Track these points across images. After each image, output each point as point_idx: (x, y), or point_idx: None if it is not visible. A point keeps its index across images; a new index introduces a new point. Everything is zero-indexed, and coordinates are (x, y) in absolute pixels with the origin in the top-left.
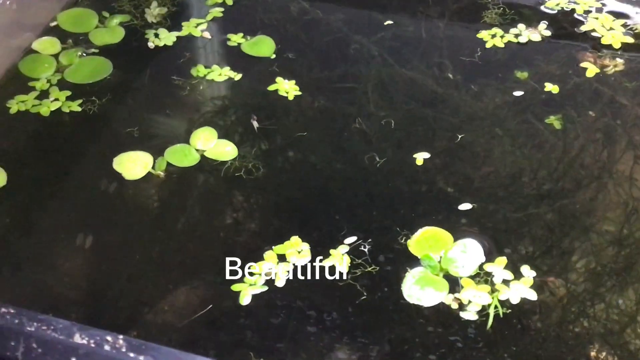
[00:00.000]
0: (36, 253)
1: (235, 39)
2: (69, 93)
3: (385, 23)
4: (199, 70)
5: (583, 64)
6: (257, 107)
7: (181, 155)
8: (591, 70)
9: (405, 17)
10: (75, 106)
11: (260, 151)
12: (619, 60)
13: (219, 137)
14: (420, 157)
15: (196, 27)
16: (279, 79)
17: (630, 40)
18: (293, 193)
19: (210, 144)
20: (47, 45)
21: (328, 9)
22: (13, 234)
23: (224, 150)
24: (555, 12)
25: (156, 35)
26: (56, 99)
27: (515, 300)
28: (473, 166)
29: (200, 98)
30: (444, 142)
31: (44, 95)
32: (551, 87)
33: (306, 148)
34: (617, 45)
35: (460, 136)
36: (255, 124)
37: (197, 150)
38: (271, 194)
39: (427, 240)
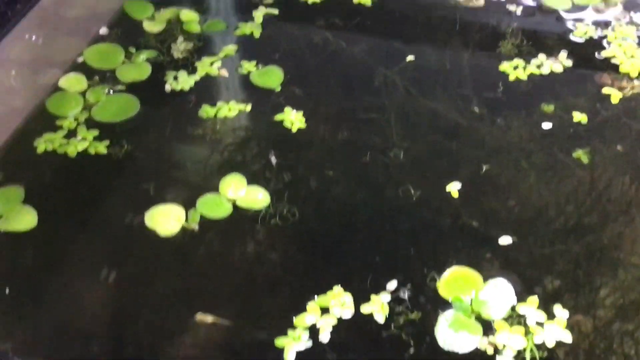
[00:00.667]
0: (61, 289)
1: (248, 67)
2: (96, 133)
3: (407, 59)
4: (207, 112)
5: (605, 90)
6: (277, 142)
7: (213, 206)
8: (615, 95)
9: (428, 47)
10: (102, 148)
11: (291, 192)
12: (637, 83)
13: (248, 182)
14: (453, 189)
15: (211, 65)
16: (291, 111)
17: None
18: (328, 235)
19: (241, 192)
20: (74, 82)
21: (351, 40)
22: (39, 271)
23: (256, 198)
24: (582, 41)
25: (175, 79)
26: (83, 139)
27: (550, 344)
28: (499, 200)
29: (219, 139)
30: (469, 175)
31: (71, 134)
32: (580, 117)
33: (334, 183)
34: (634, 74)
35: (485, 168)
36: (274, 160)
37: (228, 199)
38: (307, 239)
39: (456, 281)
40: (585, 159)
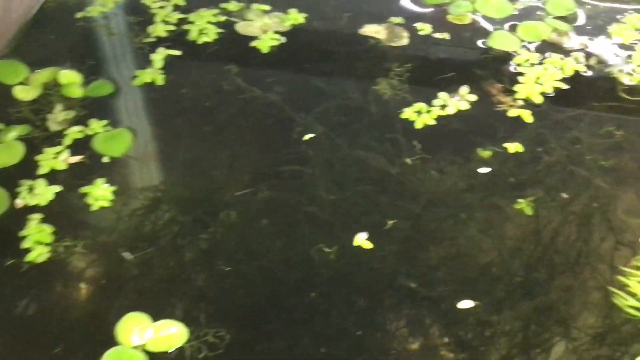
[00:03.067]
0: None
1: (95, 127)
2: None
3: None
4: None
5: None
6: (188, 223)
7: None
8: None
9: (350, 88)
10: None
11: (209, 311)
12: (517, 103)
13: (153, 316)
14: (366, 243)
15: (56, 157)
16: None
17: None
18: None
19: (148, 334)
20: None
21: (266, 85)
22: None
23: (170, 334)
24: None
25: (30, 190)
26: None
27: None
28: (437, 256)
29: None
30: (405, 230)
31: None
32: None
33: (257, 271)
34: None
35: (420, 221)
36: (128, 256)
37: (134, 348)
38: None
39: None
40: (528, 210)
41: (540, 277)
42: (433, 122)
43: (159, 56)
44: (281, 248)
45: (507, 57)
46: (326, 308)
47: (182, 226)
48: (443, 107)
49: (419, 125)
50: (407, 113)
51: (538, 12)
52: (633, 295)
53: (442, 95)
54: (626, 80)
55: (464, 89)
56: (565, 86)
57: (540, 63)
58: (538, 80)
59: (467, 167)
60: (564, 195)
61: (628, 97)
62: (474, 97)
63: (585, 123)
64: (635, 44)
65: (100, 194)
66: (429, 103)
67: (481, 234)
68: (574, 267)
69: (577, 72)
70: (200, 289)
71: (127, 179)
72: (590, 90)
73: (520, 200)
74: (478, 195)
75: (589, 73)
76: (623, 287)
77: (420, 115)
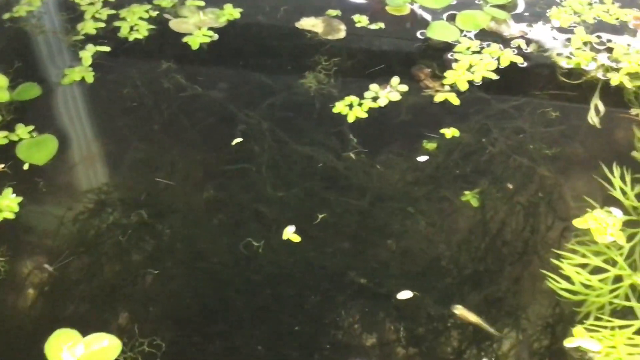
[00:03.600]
0: None
1: (21, 132)
2: None
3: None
4: None
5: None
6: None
7: None
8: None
9: (293, 83)
10: None
11: (147, 319)
12: (444, 89)
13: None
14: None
15: None
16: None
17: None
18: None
19: (79, 350)
20: None
21: (208, 82)
22: None
23: (103, 348)
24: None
25: None
26: None
27: None
28: (387, 252)
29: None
30: (354, 225)
31: None
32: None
33: (197, 273)
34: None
35: (370, 216)
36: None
37: None
38: None
39: None
40: (475, 202)
41: (489, 268)
42: (365, 115)
43: (87, 53)
44: (227, 248)
45: (446, 47)
46: (274, 307)
47: (117, 231)
48: (375, 99)
49: (351, 118)
50: (339, 107)
51: (477, 1)
52: (566, 278)
53: (373, 87)
54: (564, 64)
55: (395, 80)
56: (495, 76)
57: (479, 52)
58: (470, 69)
59: (410, 159)
60: (510, 186)
61: (567, 81)
62: (404, 88)
63: (527, 111)
64: (575, 26)
65: (6, 204)
66: (361, 96)
67: (429, 227)
68: (521, 257)
69: (514, 62)
70: (131, 296)
71: (52, 185)
72: (529, 78)
73: (466, 192)
74: (424, 188)
75: (527, 62)
76: (557, 270)
77: (352, 108)
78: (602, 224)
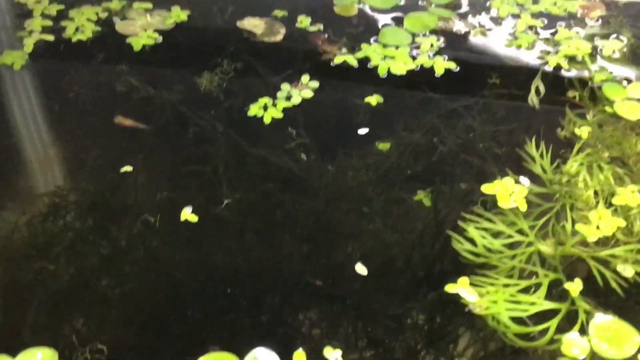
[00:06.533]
0: None
1: None
2: None
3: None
4: None
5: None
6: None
7: None
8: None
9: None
10: None
11: (81, 331)
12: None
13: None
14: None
15: None
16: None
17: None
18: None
19: None
20: None
21: (162, 84)
22: None
23: None
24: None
25: None
26: None
27: None
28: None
29: None
30: (309, 228)
31: None
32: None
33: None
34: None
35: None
36: None
37: None
38: None
39: None
40: (427, 201)
41: (443, 269)
42: (281, 115)
43: (31, 40)
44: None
45: None
46: (228, 310)
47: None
48: (288, 98)
49: (267, 119)
50: (254, 109)
51: (420, 2)
52: (470, 239)
53: (285, 86)
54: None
55: (305, 77)
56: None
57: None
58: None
59: (358, 157)
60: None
61: (513, 65)
62: (315, 84)
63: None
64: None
65: None
66: (274, 96)
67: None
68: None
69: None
70: (57, 303)
71: None
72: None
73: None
74: (378, 187)
75: (473, 53)
76: (462, 231)
77: (266, 110)
78: (508, 191)
